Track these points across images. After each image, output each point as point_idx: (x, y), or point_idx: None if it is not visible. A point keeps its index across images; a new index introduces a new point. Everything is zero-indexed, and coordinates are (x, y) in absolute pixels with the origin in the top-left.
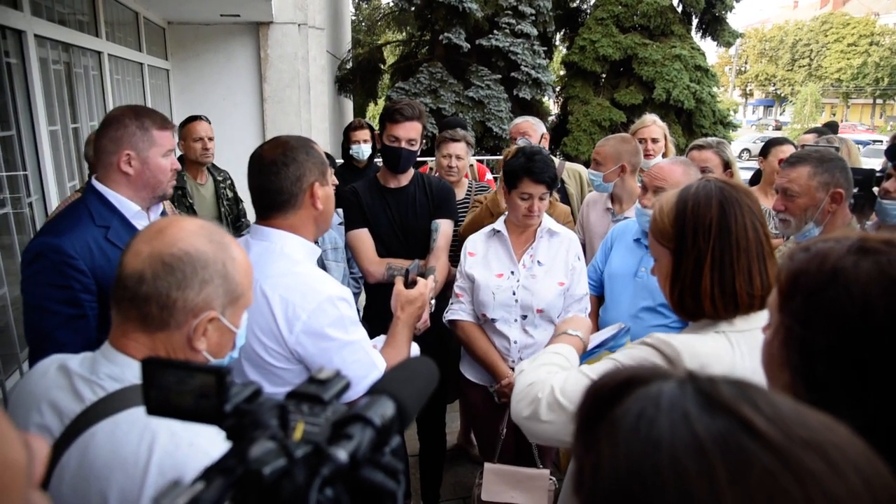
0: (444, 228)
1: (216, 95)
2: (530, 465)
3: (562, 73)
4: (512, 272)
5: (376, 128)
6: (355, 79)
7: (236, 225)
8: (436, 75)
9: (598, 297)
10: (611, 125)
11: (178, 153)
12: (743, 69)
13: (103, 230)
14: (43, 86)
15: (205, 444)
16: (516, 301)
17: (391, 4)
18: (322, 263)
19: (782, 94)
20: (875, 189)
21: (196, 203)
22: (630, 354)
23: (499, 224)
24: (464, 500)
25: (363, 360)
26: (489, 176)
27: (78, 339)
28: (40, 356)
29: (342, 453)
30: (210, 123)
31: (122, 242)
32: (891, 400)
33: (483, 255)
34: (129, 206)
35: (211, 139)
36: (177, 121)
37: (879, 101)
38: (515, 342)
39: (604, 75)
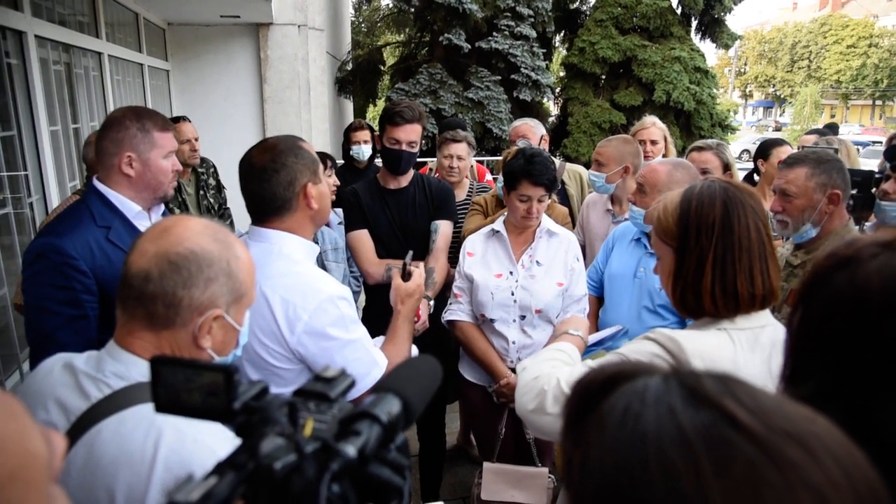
0: (443, 229)
1: (216, 96)
2: (529, 464)
3: (561, 74)
4: (511, 272)
5: (376, 129)
6: (355, 80)
7: (220, 214)
8: (435, 76)
9: (598, 299)
10: (611, 127)
11: None
12: (742, 71)
13: (104, 231)
14: (43, 86)
15: (209, 440)
16: (515, 301)
17: (391, 6)
18: (322, 264)
19: (782, 96)
20: (874, 190)
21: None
22: (634, 349)
23: (498, 224)
24: (463, 501)
25: (364, 359)
26: (489, 177)
27: (78, 339)
28: (41, 356)
29: (351, 449)
30: (192, 123)
31: (123, 243)
32: (867, 383)
33: (482, 256)
34: (130, 207)
35: (196, 140)
36: None
37: (879, 102)
38: (514, 342)
39: (603, 77)
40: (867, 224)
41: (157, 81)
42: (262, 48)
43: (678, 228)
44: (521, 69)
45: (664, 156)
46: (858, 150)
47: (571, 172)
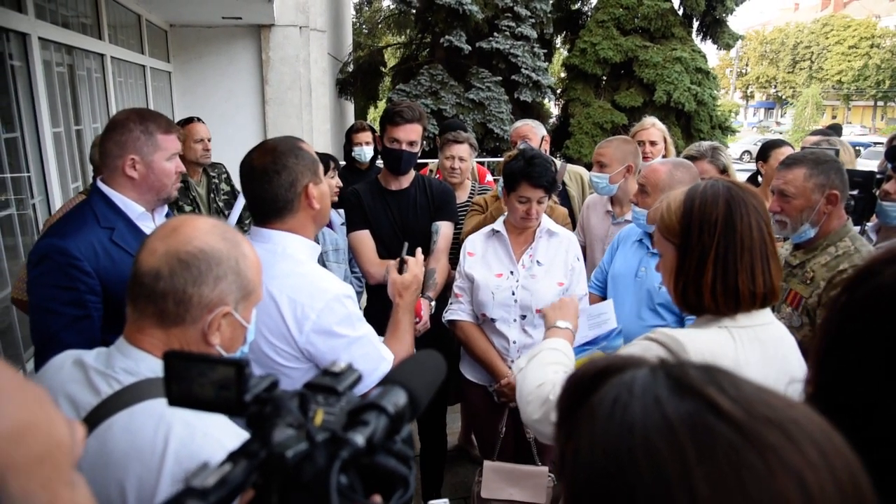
0: (444, 230)
1: (218, 97)
2: (529, 463)
3: (563, 75)
4: (511, 272)
5: (378, 130)
6: (356, 81)
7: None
8: (436, 77)
9: (602, 299)
10: (612, 127)
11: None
12: (744, 71)
13: (108, 232)
14: (46, 88)
15: (218, 434)
16: (515, 301)
17: (392, 7)
18: (323, 264)
19: (783, 97)
20: (875, 191)
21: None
22: (636, 350)
23: (498, 224)
24: (464, 500)
25: (372, 354)
26: (489, 178)
27: (82, 339)
28: (46, 356)
29: (360, 438)
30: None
31: (127, 244)
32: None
33: (482, 255)
34: (133, 208)
35: (209, 140)
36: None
37: (881, 103)
38: (514, 342)
39: (604, 78)
40: (868, 224)
41: (159, 83)
42: (263, 49)
43: (681, 226)
44: (522, 70)
45: (664, 157)
46: (859, 151)
47: (572, 173)
